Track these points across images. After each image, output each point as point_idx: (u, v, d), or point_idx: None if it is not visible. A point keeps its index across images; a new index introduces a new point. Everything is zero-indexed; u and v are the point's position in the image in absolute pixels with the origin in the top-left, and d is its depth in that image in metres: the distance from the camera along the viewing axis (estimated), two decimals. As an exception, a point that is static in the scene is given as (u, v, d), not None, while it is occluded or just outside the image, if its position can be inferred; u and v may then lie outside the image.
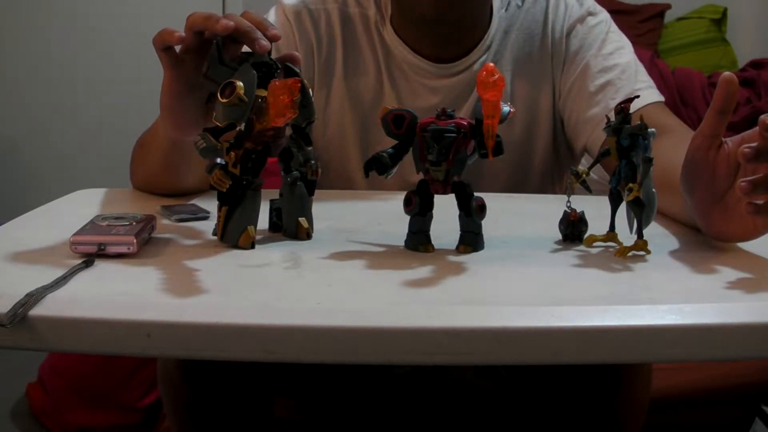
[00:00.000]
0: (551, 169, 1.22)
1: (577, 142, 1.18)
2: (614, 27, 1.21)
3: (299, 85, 0.75)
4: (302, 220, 0.81)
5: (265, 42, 0.80)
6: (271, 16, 1.19)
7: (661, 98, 1.16)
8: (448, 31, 1.15)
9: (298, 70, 0.82)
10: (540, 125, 1.19)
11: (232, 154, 0.75)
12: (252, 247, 0.77)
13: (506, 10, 1.19)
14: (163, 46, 0.82)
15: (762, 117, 0.71)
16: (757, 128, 0.73)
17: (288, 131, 0.81)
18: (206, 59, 0.80)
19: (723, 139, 0.78)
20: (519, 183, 1.20)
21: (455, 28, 1.16)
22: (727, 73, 0.77)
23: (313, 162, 0.83)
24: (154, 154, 0.99)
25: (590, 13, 1.20)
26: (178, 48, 0.84)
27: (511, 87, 1.17)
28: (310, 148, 0.83)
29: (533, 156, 1.20)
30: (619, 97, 1.12)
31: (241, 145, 0.76)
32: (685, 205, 0.83)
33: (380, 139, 1.17)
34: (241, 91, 0.74)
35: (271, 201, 0.84)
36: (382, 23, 1.19)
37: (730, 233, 0.79)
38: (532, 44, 1.19)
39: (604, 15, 1.21)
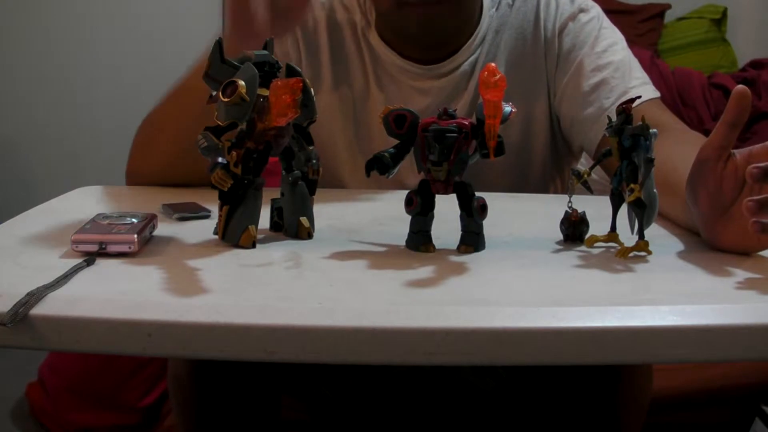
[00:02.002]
0: (550, 167, 1.22)
1: (574, 142, 1.18)
2: (606, 22, 1.20)
3: (301, 84, 0.74)
4: (303, 220, 0.81)
5: None
6: None
7: (657, 94, 1.15)
8: (433, 40, 1.15)
9: (300, 70, 0.82)
10: (536, 124, 1.19)
11: (234, 153, 0.75)
12: (253, 246, 0.77)
13: (497, 9, 1.19)
14: None
15: None
16: (765, 144, 0.73)
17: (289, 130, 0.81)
18: (208, 59, 0.80)
19: (731, 150, 0.77)
20: (518, 182, 1.20)
21: (441, 36, 1.16)
22: (740, 87, 0.76)
23: (314, 161, 0.82)
24: (187, 116, 0.95)
25: (581, 10, 1.19)
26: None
27: None
28: (311, 148, 0.82)
29: (531, 155, 1.20)
30: (613, 96, 1.12)
31: (242, 144, 0.76)
32: (686, 208, 0.82)
33: (370, 142, 1.18)
34: (243, 90, 0.73)
35: (273, 200, 0.84)
36: (367, 28, 1.19)
37: (733, 245, 0.78)
38: (524, 43, 1.19)
39: (595, 11, 1.20)
